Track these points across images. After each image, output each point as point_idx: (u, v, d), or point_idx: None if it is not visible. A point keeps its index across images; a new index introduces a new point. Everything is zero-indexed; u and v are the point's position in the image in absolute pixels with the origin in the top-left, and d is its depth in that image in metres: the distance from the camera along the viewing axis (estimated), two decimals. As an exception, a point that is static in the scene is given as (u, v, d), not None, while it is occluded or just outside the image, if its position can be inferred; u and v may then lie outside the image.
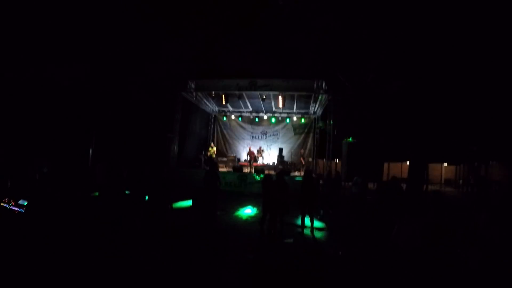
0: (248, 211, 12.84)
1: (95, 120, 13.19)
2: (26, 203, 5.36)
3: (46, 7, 9.30)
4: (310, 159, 22.54)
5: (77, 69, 10.37)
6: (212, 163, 13.03)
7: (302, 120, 23.41)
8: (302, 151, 22.33)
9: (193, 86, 19.05)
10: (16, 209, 5.20)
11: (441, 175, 31.19)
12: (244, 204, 14.51)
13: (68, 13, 9.27)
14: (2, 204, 5.14)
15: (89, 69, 10.51)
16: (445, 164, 31.21)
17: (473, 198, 20.24)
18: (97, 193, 8.41)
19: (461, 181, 28.21)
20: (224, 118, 24.71)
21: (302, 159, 21.91)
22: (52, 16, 9.07)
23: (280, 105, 19.73)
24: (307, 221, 10.19)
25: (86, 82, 10.73)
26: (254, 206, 13.32)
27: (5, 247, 4.73)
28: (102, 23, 10.07)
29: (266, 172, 18.88)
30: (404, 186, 11.01)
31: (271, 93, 18.88)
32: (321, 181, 18.46)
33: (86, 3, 10.01)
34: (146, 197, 9.20)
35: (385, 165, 19.49)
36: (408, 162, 14.57)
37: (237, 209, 13.42)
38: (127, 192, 8.98)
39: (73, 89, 10.75)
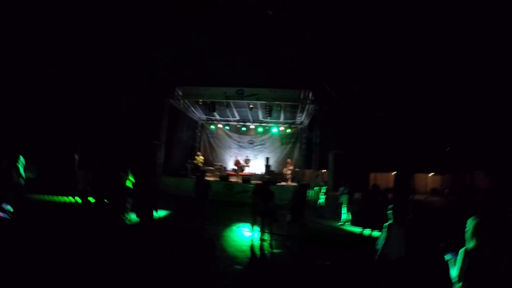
0: (235, 221, 12.76)
1: (81, 125, 13.04)
2: (11, 209, 5.24)
3: (34, 11, 9.21)
4: (297, 169, 22.58)
5: (64, 74, 10.25)
6: (202, 171, 13.01)
7: (289, 130, 23.51)
8: (289, 160, 22.30)
9: (180, 93, 19.01)
10: (1, 214, 5.08)
11: (427, 185, 31.65)
12: (231, 213, 14.44)
13: (56, 17, 9.19)
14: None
15: (76, 74, 10.40)
16: (431, 174, 31.69)
17: (458, 207, 20.57)
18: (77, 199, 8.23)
19: (447, 191, 28.65)
20: (212, 126, 24.63)
21: (285, 169, 21.78)
22: (39, 19, 8.98)
23: (267, 115, 19.84)
24: (295, 231, 10.23)
25: (73, 87, 10.60)
26: (241, 215, 13.24)
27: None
28: (90, 28, 10.00)
29: (253, 182, 18.89)
30: (390, 196, 11.13)
31: (258, 102, 18.97)
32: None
33: (74, 8, 9.94)
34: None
35: (372, 175, 19.71)
36: (394, 173, 14.78)
37: (224, 218, 13.34)
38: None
39: (60, 93, 10.61)
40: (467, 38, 8.62)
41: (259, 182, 13.97)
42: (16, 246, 5.04)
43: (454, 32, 8.73)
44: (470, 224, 3.54)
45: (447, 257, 3.73)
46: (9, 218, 5.13)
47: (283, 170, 21.52)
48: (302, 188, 10.69)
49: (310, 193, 16.32)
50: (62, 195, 8.70)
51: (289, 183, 20.14)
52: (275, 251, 9.18)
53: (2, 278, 4.62)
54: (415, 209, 6.30)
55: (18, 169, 10.03)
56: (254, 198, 10.04)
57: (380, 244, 5.63)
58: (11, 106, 12.29)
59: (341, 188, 14.09)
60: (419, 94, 9.85)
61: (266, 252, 9.07)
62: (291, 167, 21.65)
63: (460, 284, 3.34)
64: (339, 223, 13.17)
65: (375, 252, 5.65)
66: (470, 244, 3.39)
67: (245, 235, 9.73)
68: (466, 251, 3.39)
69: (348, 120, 16.14)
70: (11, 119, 12.79)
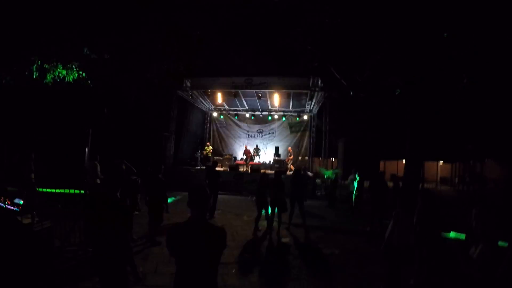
0: (244, 211, 12.83)
1: (90, 118, 13.14)
2: (21, 202, 5.32)
3: (43, 6, 9.24)
4: (306, 158, 22.53)
5: (72, 68, 10.33)
6: (213, 161, 13.14)
7: (298, 118, 23.37)
8: (290, 149, 22.15)
9: (189, 84, 19.00)
10: (12, 208, 5.16)
11: (437, 173, 31.32)
12: (240, 203, 14.52)
13: (63, 10, 9.20)
14: (-3, 203, 5.10)
15: (84, 67, 10.45)
16: (441, 162, 31.32)
17: (468, 196, 20.34)
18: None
19: (456, 179, 28.34)
20: (221, 116, 24.62)
21: (288, 159, 21.54)
22: (46, 13, 9.00)
23: (276, 103, 19.75)
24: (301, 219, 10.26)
25: (82, 81, 10.66)
26: (250, 205, 13.29)
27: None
28: (97, 20, 9.99)
29: (263, 171, 18.92)
30: (400, 184, 11.03)
31: (267, 91, 18.87)
32: (317, 180, 18.57)
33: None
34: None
35: (381, 163, 19.56)
36: (404, 161, 14.62)
37: (234, 207, 13.44)
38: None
39: (68, 87, 10.69)
40: (481, 25, 8.41)
41: (266, 171, 13.95)
42: (24, 238, 5.12)
43: (469, 19, 8.52)
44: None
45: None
46: (18, 210, 5.20)
47: (286, 160, 21.37)
48: (297, 175, 10.66)
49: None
50: (72, 188, 8.78)
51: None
52: (283, 239, 9.23)
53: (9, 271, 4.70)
54: (424, 197, 6.21)
55: (30, 165, 10.22)
56: (260, 188, 10.03)
57: (388, 232, 5.58)
58: (19, 102, 12.43)
59: (351, 176, 14.04)
60: (430, 80, 9.67)
61: (274, 240, 9.12)
62: (291, 156, 21.46)
63: None
64: (348, 213, 13.22)
65: (383, 240, 5.61)
66: None
67: (253, 224, 9.74)
68: None
69: (358, 107, 15.94)
70: (20, 114, 12.96)
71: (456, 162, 29.64)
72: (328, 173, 16.80)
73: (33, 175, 10.16)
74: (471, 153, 23.94)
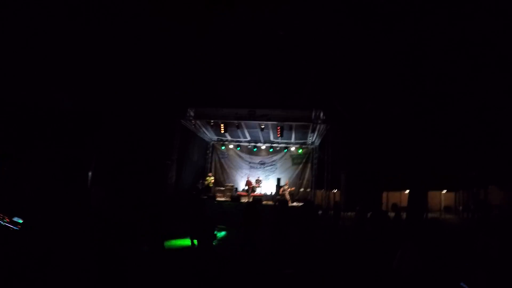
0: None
1: (94, 144, 13.18)
2: (21, 221, 5.26)
3: (50, 33, 9.50)
4: (308, 190, 22.39)
5: (77, 93, 10.50)
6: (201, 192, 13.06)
7: (300, 150, 23.40)
8: (287, 181, 22.01)
9: (192, 113, 19.20)
10: (11, 226, 5.10)
11: (441, 202, 30.99)
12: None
13: (68, 37, 9.47)
14: (-5, 219, 5.04)
15: (89, 94, 10.62)
16: (444, 191, 31.08)
17: (474, 223, 20.04)
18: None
19: (461, 208, 28.01)
20: (223, 147, 24.69)
21: (282, 190, 21.12)
22: (52, 39, 9.26)
23: (279, 135, 19.85)
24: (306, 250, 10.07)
25: (86, 106, 10.81)
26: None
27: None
28: (101, 47, 10.26)
29: (264, 202, 18.79)
30: (404, 214, 10.92)
31: (270, 123, 19.03)
32: (320, 212, 18.37)
33: (86, 29, 10.23)
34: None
35: (384, 194, 19.41)
36: (407, 191, 14.50)
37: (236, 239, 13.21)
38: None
39: (72, 112, 10.83)
40: (479, 51, 8.61)
41: (266, 202, 13.80)
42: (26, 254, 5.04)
43: (465, 48, 8.74)
44: None
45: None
46: (17, 229, 5.15)
47: (279, 191, 20.98)
48: (306, 206, 10.59)
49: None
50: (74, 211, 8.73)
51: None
52: (287, 271, 9.03)
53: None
54: (431, 226, 6.12)
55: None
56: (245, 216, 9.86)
57: (395, 263, 5.47)
58: (22, 124, 12.50)
59: (357, 208, 13.86)
60: (431, 110, 9.80)
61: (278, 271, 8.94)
62: (288, 188, 21.19)
63: None
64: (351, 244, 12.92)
65: (390, 271, 5.49)
66: None
67: (254, 255, 9.55)
68: None
69: (360, 139, 16.03)
70: (23, 136, 12.99)
71: (459, 190, 29.45)
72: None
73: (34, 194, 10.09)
74: (475, 180, 23.78)
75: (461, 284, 3.57)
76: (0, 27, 8.77)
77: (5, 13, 8.69)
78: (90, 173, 11.77)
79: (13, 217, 5.41)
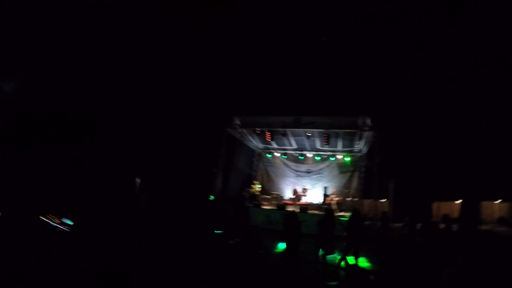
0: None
1: (143, 151, 13.74)
2: (70, 222, 5.57)
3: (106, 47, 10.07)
4: (356, 199, 21.80)
5: (129, 103, 11.03)
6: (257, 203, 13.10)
7: (347, 159, 22.88)
8: (334, 190, 21.54)
9: (238, 122, 19.43)
10: (60, 226, 5.41)
11: (494, 214, 28.99)
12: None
13: (123, 50, 9.97)
14: (45, 219, 5.37)
15: (139, 103, 11.12)
16: (499, 201, 29.08)
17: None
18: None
19: (516, 219, 25.98)
20: (269, 155, 24.70)
21: (328, 198, 20.74)
22: (109, 52, 9.81)
23: (325, 143, 19.56)
24: (352, 261, 9.78)
25: (137, 116, 11.32)
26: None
27: (51, 261, 4.89)
28: (151, 59, 10.71)
29: (310, 211, 18.53)
30: (455, 226, 10.31)
31: (316, 130, 18.82)
32: (367, 222, 17.83)
33: (137, 42, 10.72)
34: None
35: (435, 204, 18.48)
36: (459, 201, 13.71)
37: (279, 247, 13.11)
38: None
39: (124, 122, 11.38)
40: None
41: (313, 212, 13.59)
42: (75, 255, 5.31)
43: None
44: None
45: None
46: (68, 230, 5.45)
47: (326, 200, 20.55)
48: (353, 217, 10.27)
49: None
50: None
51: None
52: (331, 283, 8.83)
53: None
54: (483, 240, 5.73)
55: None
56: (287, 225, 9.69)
57: (444, 279, 5.17)
58: (73, 134, 13.24)
59: (406, 219, 13.31)
60: (484, 116, 9.24)
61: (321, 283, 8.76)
62: (335, 197, 20.70)
63: None
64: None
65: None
66: None
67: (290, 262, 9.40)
68: None
69: (408, 146, 15.44)
70: (83, 145, 13.77)
71: None
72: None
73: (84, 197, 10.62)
74: None
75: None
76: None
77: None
78: (138, 180, 12.24)
79: (62, 218, 5.74)
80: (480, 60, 8.90)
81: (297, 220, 9.57)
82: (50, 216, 5.52)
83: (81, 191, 10.46)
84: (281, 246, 9.42)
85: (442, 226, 10.16)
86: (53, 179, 11.52)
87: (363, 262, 10.86)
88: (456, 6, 8.61)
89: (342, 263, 9.80)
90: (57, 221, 5.50)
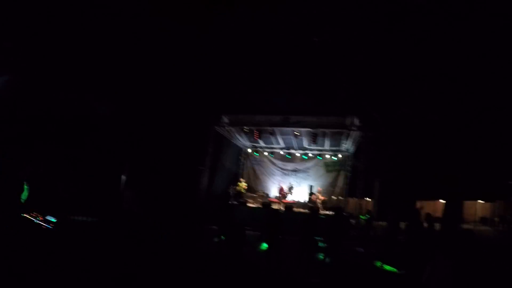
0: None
1: (129, 147, 13.61)
2: (54, 220, 5.49)
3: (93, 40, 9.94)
4: (341, 198, 21.95)
5: (114, 100, 10.91)
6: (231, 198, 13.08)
7: (334, 158, 23.03)
8: (319, 188, 21.63)
9: (226, 120, 19.40)
10: (43, 224, 5.33)
11: (476, 213, 29.64)
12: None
13: (106, 44, 9.87)
14: (29, 216, 5.29)
15: (126, 100, 11.01)
16: (480, 201, 29.74)
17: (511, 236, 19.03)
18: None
19: (497, 219, 26.64)
20: (256, 154, 24.69)
21: (314, 198, 20.67)
22: (91, 45, 9.69)
23: (312, 142, 19.66)
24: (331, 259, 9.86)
25: (124, 112, 11.21)
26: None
27: (31, 258, 4.82)
28: (136, 55, 10.62)
29: (296, 209, 18.59)
30: (437, 225, 10.50)
31: (304, 129, 18.90)
32: (352, 220, 18.01)
33: (121, 37, 10.61)
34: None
35: (418, 203, 18.76)
36: (441, 200, 13.92)
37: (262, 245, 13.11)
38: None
39: (109, 118, 11.26)
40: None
41: (299, 210, 13.64)
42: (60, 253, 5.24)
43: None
44: None
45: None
46: (51, 228, 5.37)
47: (311, 198, 20.62)
48: (336, 214, 10.38)
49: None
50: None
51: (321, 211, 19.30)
52: (314, 280, 8.87)
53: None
54: (464, 238, 5.82)
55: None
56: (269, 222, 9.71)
57: (425, 276, 5.24)
58: (63, 128, 13.06)
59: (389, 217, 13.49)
60: (469, 117, 9.41)
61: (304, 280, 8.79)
62: (320, 196, 20.72)
63: None
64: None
65: (420, 286, 5.26)
66: None
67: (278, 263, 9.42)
68: None
69: (394, 146, 15.62)
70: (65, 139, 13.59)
71: (496, 201, 28.10)
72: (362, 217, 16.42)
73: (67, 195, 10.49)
74: None
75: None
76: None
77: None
78: (124, 177, 12.13)
79: (46, 215, 5.66)
80: (466, 62, 9.05)
81: (280, 218, 9.58)
82: (34, 214, 5.44)
83: (66, 188, 10.33)
84: (265, 243, 9.37)
85: (425, 225, 10.31)
86: (38, 176, 11.37)
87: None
88: (442, 6, 8.74)
89: (327, 259, 9.88)
90: (41, 218, 5.41)
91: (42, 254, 5.05)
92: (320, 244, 9.60)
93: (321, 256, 9.94)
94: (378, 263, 9.55)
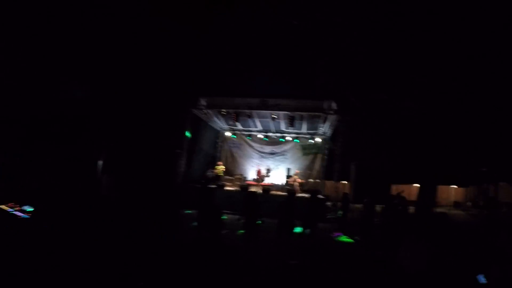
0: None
1: (105, 132, 13.31)
2: (31, 209, 5.37)
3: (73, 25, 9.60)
4: (318, 180, 22.30)
5: (91, 82, 10.61)
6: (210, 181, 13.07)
7: (311, 141, 23.25)
8: (297, 171, 21.88)
9: (204, 103, 19.20)
10: (19, 214, 5.21)
11: (450, 197, 30.83)
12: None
13: (85, 29, 9.54)
14: (5, 207, 5.15)
15: (101, 83, 10.72)
16: (454, 186, 30.90)
17: (482, 220, 19.91)
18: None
19: (470, 203, 27.83)
20: (233, 136, 24.63)
21: (292, 180, 20.95)
22: (70, 29, 9.36)
23: (290, 125, 19.78)
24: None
25: (98, 95, 10.92)
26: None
27: (6, 251, 4.70)
28: (116, 38, 10.32)
29: (273, 192, 18.80)
30: (412, 208, 10.89)
31: (281, 112, 18.96)
32: (328, 203, 18.36)
33: (103, 20, 10.28)
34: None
35: (394, 187, 19.33)
36: (416, 185, 14.36)
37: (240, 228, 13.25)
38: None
39: (85, 100, 10.96)
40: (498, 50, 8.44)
41: (277, 192, 13.80)
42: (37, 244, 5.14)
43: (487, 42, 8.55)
44: None
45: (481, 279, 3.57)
46: (29, 217, 5.26)
47: (289, 181, 20.85)
48: (313, 196, 10.63)
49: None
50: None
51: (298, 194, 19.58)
52: (292, 262, 9.04)
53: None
54: (439, 220, 6.05)
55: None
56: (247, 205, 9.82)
57: (400, 256, 5.44)
58: (37, 111, 12.66)
59: (365, 200, 13.80)
60: (444, 104, 9.65)
61: (282, 262, 8.94)
62: (298, 178, 20.88)
63: None
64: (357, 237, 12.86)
65: (394, 265, 5.46)
66: None
67: (258, 243, 9.55)
68: None
69: (371, 131, 15.92)
70: (38, 124, 13.19)
71: (469, 186, 29.31)
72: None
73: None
74: (485, 176, 23.56)
75: (479, 276, 3.54)
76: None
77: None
78: (100, 162, 11.91)
79: (23, 205, 5.53)
80: (442, 49, 9.22)
81: (258, 201, 9.68)
82: (11, 205, 5.29)
83: (41, 176, 10.06)
84: (243, 226, 9.46)
85: (399, 207, 10.63)
86: (12, 165, 11.02)
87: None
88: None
89: (306, 231, 10.16)
90: (18, 208, 5.28)
91: (17, 244, 4.94)
92: (297, 229, 9.78)
93: (299, 230, 10.15)
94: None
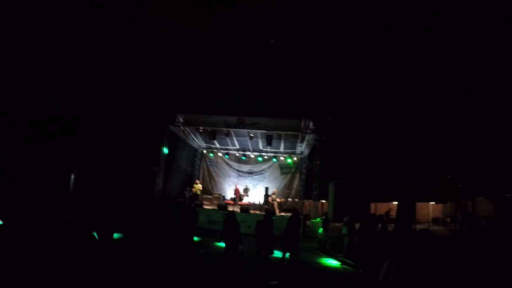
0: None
1: (79, 146, 12.92)
2: (0, 222, 5.09)
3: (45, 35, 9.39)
4: (296, 200, 22.26)
5: (66, 95, 10.33)
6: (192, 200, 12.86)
7: (289, 160, 23.33)
8: (275, 190, 21.72)
9: (181, 120, 19.04)
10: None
11: (429, 214, 31.32)
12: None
13: (62, 38, 9.35)
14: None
15: (78, 96, 10.46)
16: (432, 202, 31.45)
17: (462, 235, 20.29)
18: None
19: (448, 219, 28.34)
20: (211, 154, 24.45)
21: (270, 199, 20.61)
22: (45, 40, 9.14)
23: (267, 144, 19.77)
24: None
25: (74, 109, 10.63)
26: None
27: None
28: (94, 51, 10.14)
29: (252, 211, 18.59)
30: (391, 226, 10.96)
31: (259, 131, 18.96)
32: (308, 222, 18.29)
33: (79, 32, 10.12)
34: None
35: (372, 205, 19.49)
36: (394, 202, 14.49)
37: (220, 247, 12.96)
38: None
39: (59, 114, 10.63)
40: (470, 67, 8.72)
41: (255, 212, 13.66)
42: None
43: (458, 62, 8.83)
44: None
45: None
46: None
47: (268, 200, 20.65)
48: (293, 216, 10.61)
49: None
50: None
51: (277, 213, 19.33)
52: (272, 283, 8.86)
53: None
54: (422, 237, 6.02)
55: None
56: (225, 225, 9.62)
57: (382, 274, 5.36)
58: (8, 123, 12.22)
59: (345, 219, 13.77)
60: (420, 122, 9.86)
61: (262, 283, 8.76)
62: (276, 198, 20.71)
63: None
64: (341, 256, 12.78)
65: (377, 284, 5.38)
66: None
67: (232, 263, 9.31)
68: None
69: (348, 150, 16.10)
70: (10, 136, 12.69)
71: (447, 202, 29.94)
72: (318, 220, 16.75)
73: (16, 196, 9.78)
74: (462, 192, 24.19)
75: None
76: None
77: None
78: (73, 176, 11.53)
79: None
80: (420, 68, 9.45)
81: (236, 220, 9.49)
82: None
83: (14, 188, 9.60)
84: (222, 246, 9.23)
85: (379, 226, 10.66)
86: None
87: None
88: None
89: (286, 255, 10.04)
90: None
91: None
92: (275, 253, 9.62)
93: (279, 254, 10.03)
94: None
